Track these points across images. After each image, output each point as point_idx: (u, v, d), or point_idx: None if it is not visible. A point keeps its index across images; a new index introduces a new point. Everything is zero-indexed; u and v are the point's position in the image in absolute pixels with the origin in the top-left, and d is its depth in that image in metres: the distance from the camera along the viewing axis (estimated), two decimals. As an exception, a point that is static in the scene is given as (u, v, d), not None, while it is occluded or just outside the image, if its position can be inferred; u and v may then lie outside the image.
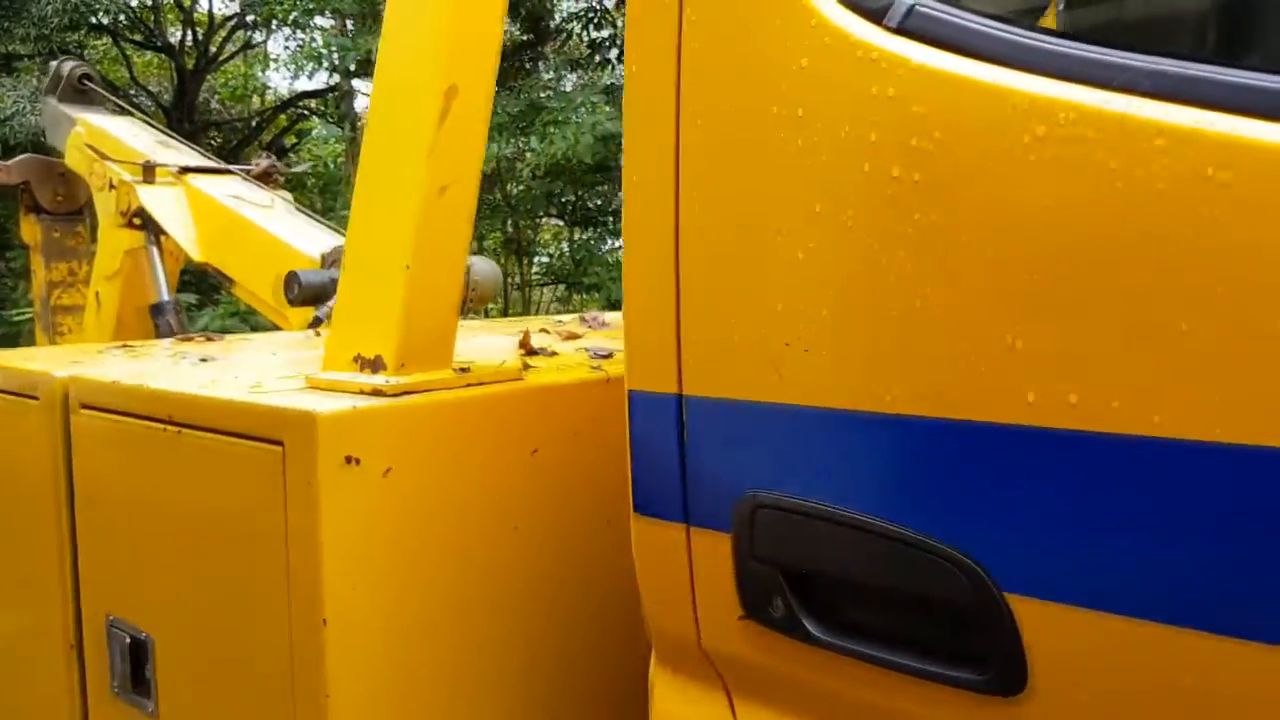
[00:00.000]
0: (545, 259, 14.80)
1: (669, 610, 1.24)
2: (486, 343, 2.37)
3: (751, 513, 1.11)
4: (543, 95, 11.40)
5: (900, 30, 0.99)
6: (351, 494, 1.45)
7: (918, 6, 0.99)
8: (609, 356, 2.02)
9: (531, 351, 2.13)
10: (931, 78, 0.97)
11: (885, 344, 1.00)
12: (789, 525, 1.09)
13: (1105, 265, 0.87)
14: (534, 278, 14.40)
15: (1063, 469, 0.91)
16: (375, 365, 1.56)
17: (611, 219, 13.50)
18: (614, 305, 12.39)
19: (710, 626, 1.20)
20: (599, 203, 13.35)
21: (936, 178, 0.96)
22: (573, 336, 2.57)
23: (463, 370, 1.64)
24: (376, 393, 1.52)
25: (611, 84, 12.52)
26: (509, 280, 13.19)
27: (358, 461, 1.45)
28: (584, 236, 13.88)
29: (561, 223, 14.25)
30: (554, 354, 2.13)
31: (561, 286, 14.30)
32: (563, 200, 12.92)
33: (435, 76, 1.55)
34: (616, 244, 13.93)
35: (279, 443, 1.47)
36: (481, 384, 1.62)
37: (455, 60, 1.57)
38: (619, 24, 13.26)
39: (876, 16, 1.01)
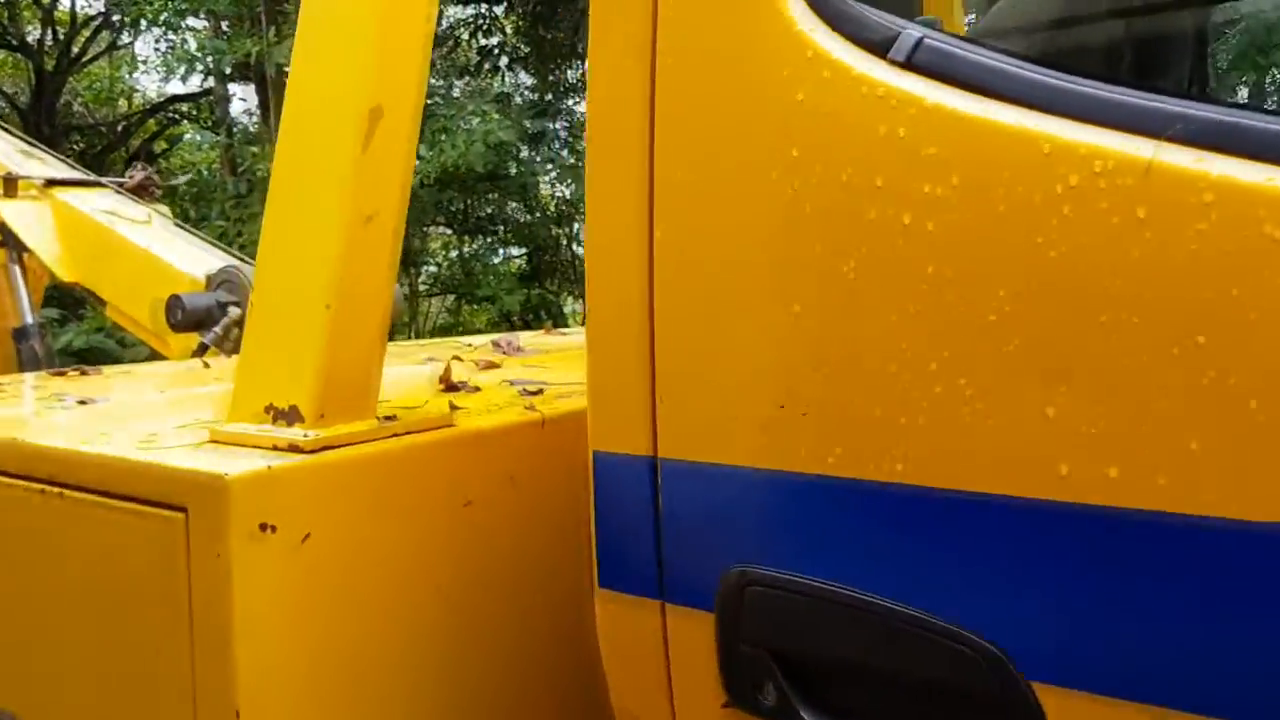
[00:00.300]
0: (434, 269, 14.46)
1: (640, 695, 1.12)
2: (397, 374, 2.21)
3: (739, 590, 1.01)
4: (431, 102, 11.12)
5: (908, 65, 0.90)
6: (266, 565, 1.28)
7: (927, 40, 0.91)
8: (539, 393, 1.88)
9: (452, 387, 1.98)
10: (947, 118, 0.88)
11: (895, 409, 0.91)
12: (783, 605, 0.98)
13: (1151, 327, 0.80)
14: (422, 288, 14.05)
15: (1099, 549, 0.83)
16: (291, 417, 1.39)
17: (503, 228, 13.30)
18: (506, 316, 12.19)
19: (689, 714, 1.09)
20: (490, 211, 13.13)
21: (953, 228, 0.87)
22: (491, 366, 2.42)
23: (388, 419, 1.48)
24: (293, 448, 1.35)
25: (503, 92, 12.33)
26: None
27: (273, 529, 1.28)
28: (475, 246, 13.63)
29: (451, 232, 13.95)
30: (476, 389, 1.98)
31: (451, 297, 13.99)
32: (452, 209, 12.65)
33: (358, 96, 1.39)
34: (508, 253, 13.73)
35: (182, 509, 1.29)
36: (410, 433, 1.47)
37: (380, 78, 1.41)
38: (508, 31, 13.08)
39: (880, 49, 0.92)
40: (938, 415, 0.89)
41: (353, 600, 1.37)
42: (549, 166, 12.78)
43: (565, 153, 12.94)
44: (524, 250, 13.43)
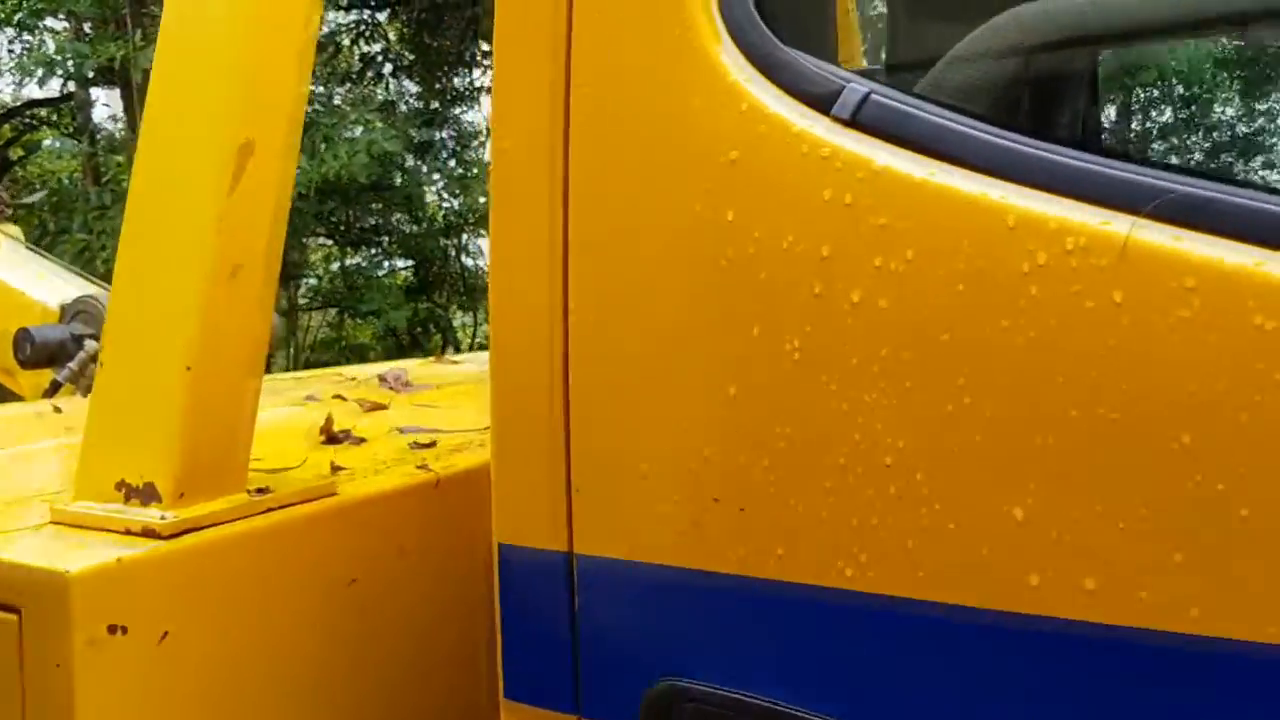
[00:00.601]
0: (314, 281, 13.96)
1: (554, 817, 1.00)
2: (272, 420, 2.02)
3: (667, 705, 0.89)
4: (311, 110, 10.71)
5: (854, 124, 0.81)
6: (116, 673, 1.11)
7: (874, 95, 0.81)
8: (432, 445, 1.74)
9: (333, 439, 1.81)
10: (898, 185, 0.79)
11: (845, 506, 0.81)
12: (718, 723, 0.87)
13: (1129, 424, 0.72)
14: (303, 302, 13.54)
15: (1073, 667, 0.75)
16: (146, 495, 1.21)
17: (388, 239, 12.95)
18: (391, 331, 11.85)
19: (610, 840, 0.97)
20: (375, 222, 12.75)
21: (909, 307, 0.78)
22: (377, 407, 2.25)
23: (260, 492, 1.32)
24: (148, 533, 1.18)
25: (387, 100, 12.01)
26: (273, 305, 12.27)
27: (124, 630, 1.11)
28: (358, 258, 13.21)
29: (332, 243, 13.49)
30: (361, 440, 1.82)
31: (333, 311, 13.53)
32: (333, 220, 12.22)
33: (226, 130, 1.23)
34: (394, 265, 13.37)
35: (15, 610, 1.11)
36: (285, 506, 1.31)
37: (250, 108, 1.26)
38: (392, 38, 12.76)
39: (822, 104, 0.82)
40: (893, 515, 0.79)
41: (221, 704, 1.21)
42: (436, 177, 12.49)
43: (453, 163, 12.68)
44: (411, 262, 13.08)
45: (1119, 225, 0.72)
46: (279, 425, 1.95)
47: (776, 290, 0.83)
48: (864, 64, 1.77)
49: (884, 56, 1.57)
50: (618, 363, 0.90)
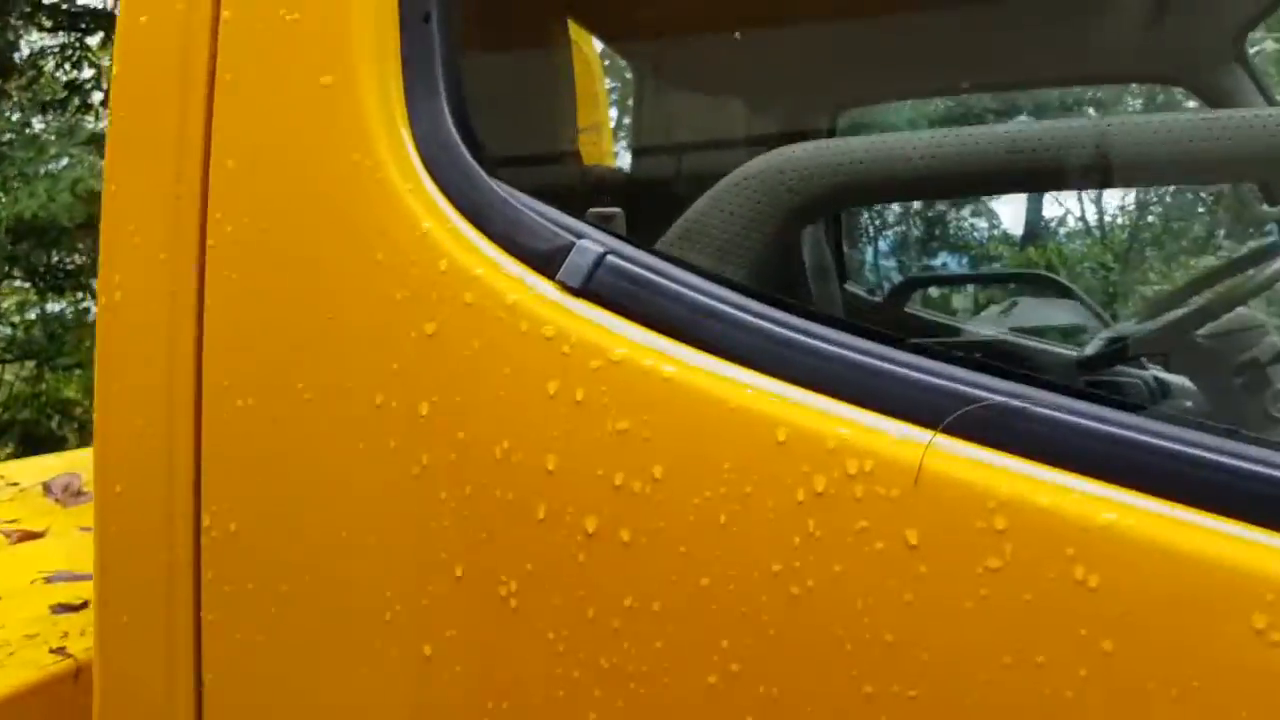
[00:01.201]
0: (7, 330, 12.38)
1: None
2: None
3: None
4: (5, 141, 9.51)
5: (586, 293, 0.62)
6: None
7: (611, 256, 0.63)
8: (83, 607, 1.39)
9: (-49, 596, 1.42)
10: (643, 379, 0.60)
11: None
12: None
13: (939, 707, 0.56)
14: (-7, 353, 11.96)
15: None
16: None
17: (95, 282, 11.71)
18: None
19: None
20: (80, 263, 11.49)
21: (660, 543, 0.60)
22: (29, 537, 1.83)
23: None
24: None
25: (98, 132, 10.93)
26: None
27: None
28: (61, 304, 11.84)
29: (30, 287, 12.04)
30: (-9, 597, 1.44)
31: (30, 363, 12.04)
32: (30, 262, 10.90)
33: None
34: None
35: None
36: None
37: None
38: (105, 63, 11.67)
39: (544, 265, 0.63)
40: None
41: None
42: (155, 217, 11.48)
43: (176, 201, 11.72)
44: (125, 309, 11.88)
45: (915, 441, 0.57)
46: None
47: (487, 514, 0.62)
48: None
49: (624, 196, 1.42)
50: (267, 614, 0.65)
